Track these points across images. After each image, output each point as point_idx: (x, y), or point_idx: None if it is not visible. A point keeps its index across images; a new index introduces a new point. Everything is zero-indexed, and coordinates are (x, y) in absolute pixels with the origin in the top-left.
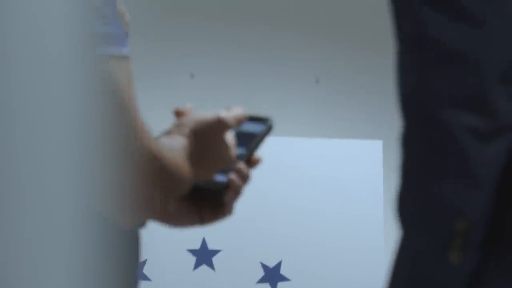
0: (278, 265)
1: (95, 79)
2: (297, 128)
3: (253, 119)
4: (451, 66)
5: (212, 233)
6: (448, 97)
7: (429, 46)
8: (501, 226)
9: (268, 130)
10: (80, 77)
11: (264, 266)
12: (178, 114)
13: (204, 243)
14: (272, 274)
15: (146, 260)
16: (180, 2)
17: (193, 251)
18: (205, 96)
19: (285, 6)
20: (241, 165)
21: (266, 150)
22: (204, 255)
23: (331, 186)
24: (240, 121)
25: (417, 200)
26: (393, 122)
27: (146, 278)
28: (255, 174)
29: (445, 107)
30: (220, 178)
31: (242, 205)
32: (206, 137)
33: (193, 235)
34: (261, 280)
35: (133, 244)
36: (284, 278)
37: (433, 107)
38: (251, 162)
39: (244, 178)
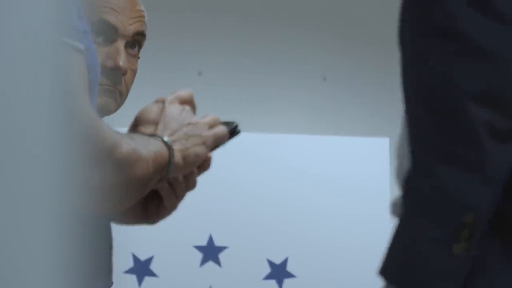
0: (285, 262)
1: (50, 65)
2: (304, 126)
3: (222, 123)
4: (477, 61)
5: (219, 229)
6: (471, 91)
7: (458, 39)
8: (503, 217)
9: (230, 133)
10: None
11: (271, 263)
12: None
13: (210, 239)
14: (279, 271)
15: (153, 256)
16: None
17: (199, 248)
18: (212, 94)
19: (293, 4)
20: None
21: (272, 147)
22: (210, 252)
23: (337, 183)
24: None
25: (428, 190)
26: (400, 119)
27: (153, 274)
28: (262, 171)
29: (468, 100)
30: None
31: (249, 202)
32: None
33: (200, 232)
34: (268, 277)
35: (99, 230)
36: (290, 275)
37: (455, 99)
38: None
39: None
